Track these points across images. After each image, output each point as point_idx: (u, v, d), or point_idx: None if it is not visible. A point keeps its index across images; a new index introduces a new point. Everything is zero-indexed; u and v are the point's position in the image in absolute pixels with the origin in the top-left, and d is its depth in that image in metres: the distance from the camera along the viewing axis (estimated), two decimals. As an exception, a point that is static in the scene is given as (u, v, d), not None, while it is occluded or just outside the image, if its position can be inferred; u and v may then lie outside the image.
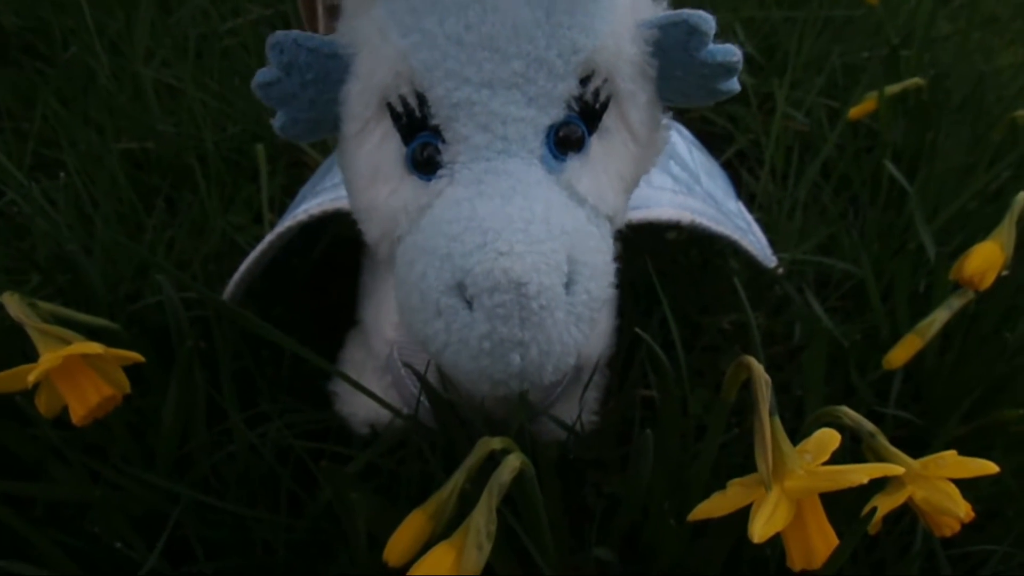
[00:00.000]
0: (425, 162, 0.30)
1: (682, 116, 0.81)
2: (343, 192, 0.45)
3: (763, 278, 0.59)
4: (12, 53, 0.83)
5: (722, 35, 0.31)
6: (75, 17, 0.82)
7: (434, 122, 0.30)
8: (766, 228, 0.62)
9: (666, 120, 0.35)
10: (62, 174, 0.66)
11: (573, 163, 0.31)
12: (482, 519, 0.31)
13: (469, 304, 0.27)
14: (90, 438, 0.46)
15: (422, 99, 0.30)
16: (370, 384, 0.46)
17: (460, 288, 0.27)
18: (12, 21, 0.87)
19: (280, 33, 0.30)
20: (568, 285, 0.28)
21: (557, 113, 0.30)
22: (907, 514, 0.44)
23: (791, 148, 0.75)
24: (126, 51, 0.78)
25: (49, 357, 0.36)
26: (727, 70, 0.31)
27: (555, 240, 0.28)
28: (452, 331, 0.28)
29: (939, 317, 0.47)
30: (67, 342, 0.38)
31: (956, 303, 0.47)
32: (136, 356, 0.39)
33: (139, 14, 0.77)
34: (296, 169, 0.73)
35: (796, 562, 0.31)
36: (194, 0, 0.87)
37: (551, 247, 0.27)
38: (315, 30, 0.64)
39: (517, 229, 0.27)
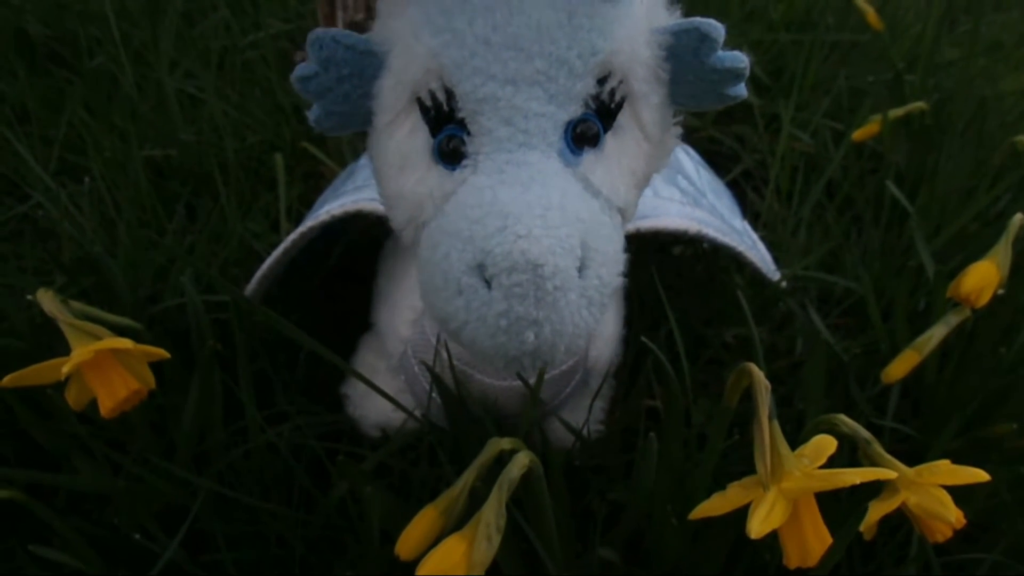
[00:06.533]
0: (451, 153, 0.32)
1: (690, 136, 0.83)
2: (363, 195, 0.47)
3: (767, 293, 0.61)
4: (40, 62, 0.86)
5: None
6: (101, 28, 0.85)
7: (460, 115, 0.32)
8: (770, 246, 0.63)
9: (678, 127, 0.37)
10: (87, 179, 0.68)
11: (589, 157, 0.33)
12: (492, 513, 0.33)
13: (488, 284, 0.29)
14: (113, 434, 0.48)
15: (450, 94, 0.32)
16: (382, 386, 0.47)
17: (480, 268, 0.29)
18: (40, 31, 0.89)
19: (320, 30, 0.32)
20: (581, 269, 0.30)
21: (575, 110, 0.32)
22: (904, 524, 0.45)
23: (796, 168, 0.76)
24: (151, 61, 0.81)
25: (81, 351, 0.38)
26: (735, 75, 0.33)
27: (570, 226, 0.29)
28: (472, 309, 0.29)
29: (937, 333, 0.48)
30: (98, 338, 0.40)
31: (953, 320, 0.49)
32: (162, 352, 0.41)
33: (164, 26, 0.79)
34: (313, 179, 0.75)
35: (792, 560, 0.32)
36: (217, 14, 0.90)
37: (566, 232, 0.29)
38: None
39: (535, 215, 0.29)
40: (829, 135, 0.82)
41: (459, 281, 0.29)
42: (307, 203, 0.68)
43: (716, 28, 0.32)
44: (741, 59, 0.32)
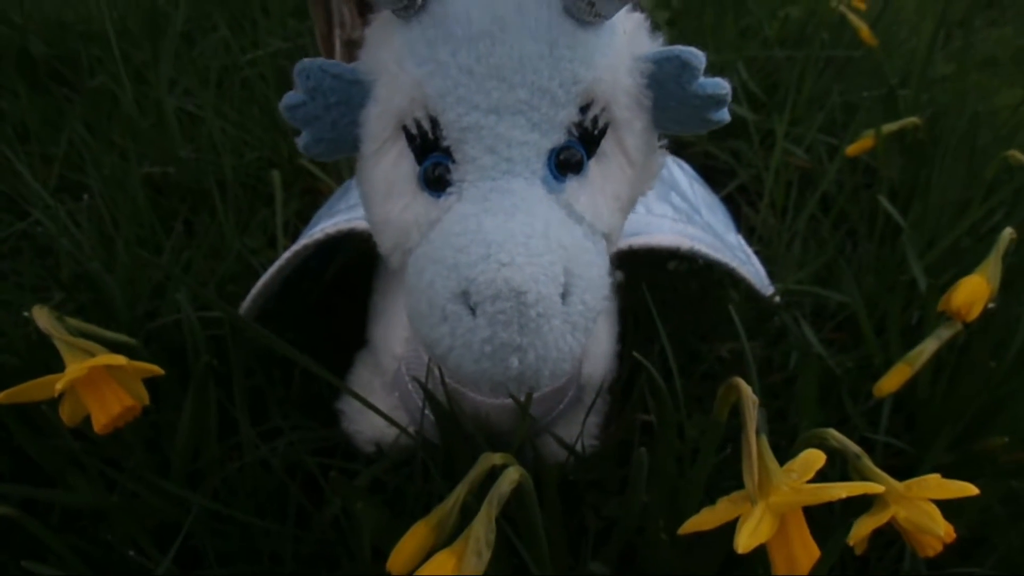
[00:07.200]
0: (436, 180, 0.33)
1: (685, 150, 0.84)
2: (358, 213, 0.48)
3: (761, 308, 0.61)
4: (41, 80, 0.87)
5: (725, 73, 0.33)
6: (102, 47, 0.86)
7: (445, 144, 0.32)
8: (765, 260, 0.64)
9: (664, 151, 0.37)
10: (86, 196, 0.69)
11: (572, 184, 0.33)
12: (482, 528, 0.33)
13: (472, 310, 0.29)
14: (107, 451, 0.48)
15: (435, 123, 0.32)
16: (377, 403, 0.48)
17: (465, 296, 0.30)
18: (42, 50, 0.90)
19: (307, 60, 0.33)
20: (564, 296, 0.30)
21: (558, 138, 0.32)
22: (898, 539, 0.45)
23: (791, 183, 0.77)
24: (150, 80, 0.81)
25: (75, 367, 0.38)
26: (717, 102, 0.33)
27: (553, 253, 0.30)
28: (456, 335, 0.30)
29: (928, 347, 0.48)
30: (92, 354, 0.40)
31: (945, 333, 0.49)
32: (156, 369, 0.41)
33: (164, 45, 0.80)
34: (310, 195, 0.75)
35: (780, 571, 0.32)
36: (216, 33, 0.91)
37: (549, 260, 0.30)
38: (332, 63, 0.67)
39: (518, 243, 0.29)
40: (823, 150, 0.83)
41: (444, 308, 0.30)
42: (304, 219, 0.69)
43: (697, 56, 0.32)
44: (723, 86, 0.33)
